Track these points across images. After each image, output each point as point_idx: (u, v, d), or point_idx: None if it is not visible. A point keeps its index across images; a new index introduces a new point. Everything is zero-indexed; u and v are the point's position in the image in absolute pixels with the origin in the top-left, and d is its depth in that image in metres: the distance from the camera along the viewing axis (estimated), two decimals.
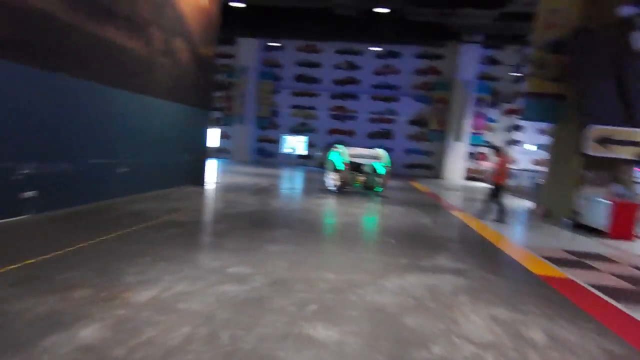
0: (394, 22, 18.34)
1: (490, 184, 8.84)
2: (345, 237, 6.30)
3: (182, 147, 10.12)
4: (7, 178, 5.30)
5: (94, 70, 6.79)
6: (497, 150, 9.02)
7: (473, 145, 22.19)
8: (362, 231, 6.84)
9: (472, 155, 22.74)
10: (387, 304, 3.55)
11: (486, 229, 7.74)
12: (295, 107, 24.65)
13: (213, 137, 24.32)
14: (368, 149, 12.18)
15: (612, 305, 4.02)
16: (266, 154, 25.20)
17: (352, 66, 23.88)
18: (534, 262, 5.51)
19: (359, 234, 6.54)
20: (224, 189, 10.73)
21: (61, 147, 6.21)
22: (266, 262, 4.51)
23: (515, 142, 22.71)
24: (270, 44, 23.51)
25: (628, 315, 3.77)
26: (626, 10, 8.12)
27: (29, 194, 5.59)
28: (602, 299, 4.20)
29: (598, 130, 8.33)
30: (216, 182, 12.12)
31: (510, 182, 17.41)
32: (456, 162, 22.08)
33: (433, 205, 10.91)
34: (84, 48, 6.51)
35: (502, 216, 8.50)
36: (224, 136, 25.17)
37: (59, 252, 4.21)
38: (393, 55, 23.36)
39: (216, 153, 24.16)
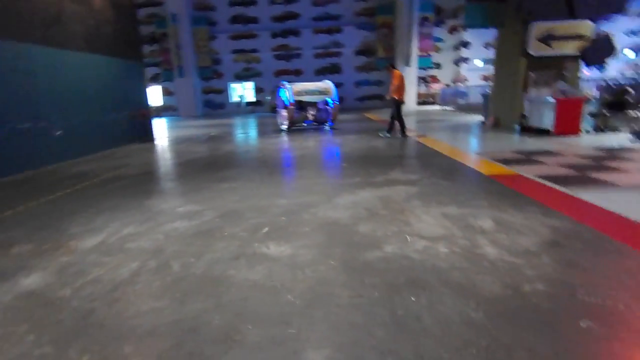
0: None
1: (392, 101, 9.06)
2: (298, 168, 6.25)
3: (120, 103, 9.42)
4: None
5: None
6: (391, 67, 9.23)
7: (422, 68, 22.18)
8: (314, 161, 6.79)
9: (422, 79, 22.86)
10: (340, 218, 3.59)
11: (439, 143, 7.93)
12: (236, 51, 23.27)
13: (155, 94, 22.77)
14: (314, 83, 11.85)
15: (557, 190, 4.23)
16: (214, 106, 24.10)
17: None
18: (484, 165, 5.72)
19: (311, 164, 6.49)
20: (173, 142, 10.32)
21: None
22: (216, 198, 4.41)
23: (463, 60, 22.86)
24: None
25: (571, 196, 4.00)
26: None
27: None
28: (548, 186, 4.41)
29: (540, 27, 8.14)
30: (164, 138, 11.62)
31: (461, 100, 17.95)
32: (407, 88, 21.93)
33: (384, 129, 10.99)
34: None
35: (391, 130, 9.11)
36: (167, 93, 23.69)
37: None
38: None
39: (162, 111, 22.81)
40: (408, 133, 9.08)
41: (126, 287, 2.41)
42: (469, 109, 16.24)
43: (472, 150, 7.41)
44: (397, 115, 8.93)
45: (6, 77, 6.13)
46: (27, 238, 3.34)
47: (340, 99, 22.52)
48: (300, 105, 11.33)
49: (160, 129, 14.77)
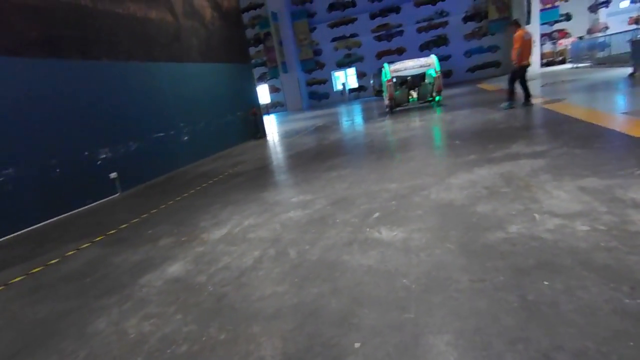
0: None
1: (514, 66, 7.83)
2: (406, 151, 6.02)
3: (233, 105, 10.39)
4: (93, 163, 5.98)
5: (131, 50, 7.07)
6: (515, 25, 7.85)
7: (545, 24, 19.23)
8: (422, 142, 6.46)
9: (548, 36, 19.85)
10: (455, 199, 3.35)
11: (572, 107, 6.81)
12: (335, 39, 23.48)
13: (263, 93, 24.51)
14: (414, 60, 11.18)
15: None
16: (319, 97, 24.85)
17: None
18: (637, 126, 4.69)
19: (419, 145, 6.19)
20: (282, 136, 10.99)
21: (124, 128, 6.72)
22: (326, 187, 4.54)
23: (602, 4, 18.99)
24: None
25: None
26: None
27: (113, 175, 6.23)
28: None
29: None
30: (274, 133, 12.43)
31: (601, 53, 15.07)
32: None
33: (504, 100, 9.87)
34: (116, 31, 6.76)
35: (512, 99, 7.96)
36: (274, 90, 25.26)
37: (144, 215, 4.71)
38: None
39: (270, 108, 24.44)
40: (532, 100, 7.97)
41: (251, 273, 2.65)
42: (611, 61, 13.56)
43: (617, 110, 6.16)
44: (521, 82, 7.83)
45: (140, 94, 7.24)
46: (169, 232, 3.93)
47: (449, 73, 21.17)
48: (402, 84, 10.92)
49: (270, 125, 15.86)
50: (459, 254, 2.38)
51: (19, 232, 4.80)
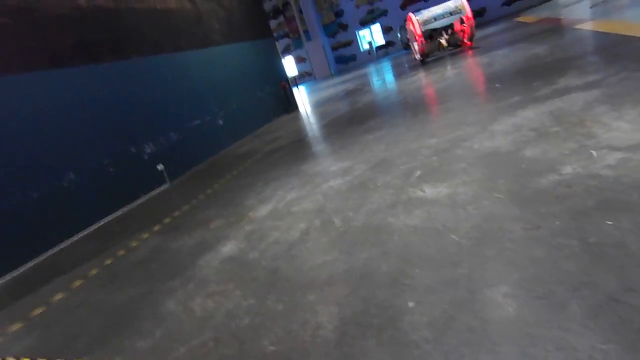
0: None
1: None
2: (442, 102, 5.75)
3: (262, 83, 10.38)
4: (141, 159, 6.30)
5: (158, 43, 7.20)
6: None
7: None
8: (459, 90, 6.11)
9: None
10: (500, 146, 3.17)
11: (631, 26, 6.09)
12: None
13: (289, 65, 24.20)
14: (443, 4, 10.45)
15: None
16: (346, 60, 24.17)
17: None
18: None
19: (456, 95, 5.87)
20: (314, 106, 10.88)
21: (163, 121, 6.96)
22: (364, 151, 4.48)
23: None
24: None
25: None
26: None
27: (160, 166, 6.53)
28: None
29: None
30: (306, 104, 12.36)
31: None
32: None
33: (548, 30, 9.02)
34: (141, 27, 6.89)
35: None
36: (300, 60, 24.89)
37: (194, 201, 4.94)
38: None
39: (299, 79, 24.16)
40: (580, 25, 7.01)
41: (300, 245, 2.72)
42: None
43: None
44: None
45: (173, 86, 7.40)
46: (218, 214, 4.09)
47: (482, 11, 19.63)
48: (431, 34, 10.35)
49: (301, 96, 15.72)
50: (509, 203, 2.28)
51: (85, 230, 5.23)
